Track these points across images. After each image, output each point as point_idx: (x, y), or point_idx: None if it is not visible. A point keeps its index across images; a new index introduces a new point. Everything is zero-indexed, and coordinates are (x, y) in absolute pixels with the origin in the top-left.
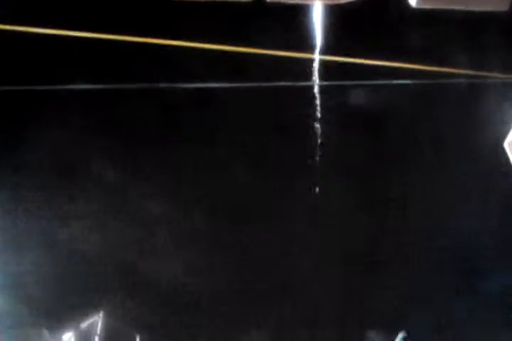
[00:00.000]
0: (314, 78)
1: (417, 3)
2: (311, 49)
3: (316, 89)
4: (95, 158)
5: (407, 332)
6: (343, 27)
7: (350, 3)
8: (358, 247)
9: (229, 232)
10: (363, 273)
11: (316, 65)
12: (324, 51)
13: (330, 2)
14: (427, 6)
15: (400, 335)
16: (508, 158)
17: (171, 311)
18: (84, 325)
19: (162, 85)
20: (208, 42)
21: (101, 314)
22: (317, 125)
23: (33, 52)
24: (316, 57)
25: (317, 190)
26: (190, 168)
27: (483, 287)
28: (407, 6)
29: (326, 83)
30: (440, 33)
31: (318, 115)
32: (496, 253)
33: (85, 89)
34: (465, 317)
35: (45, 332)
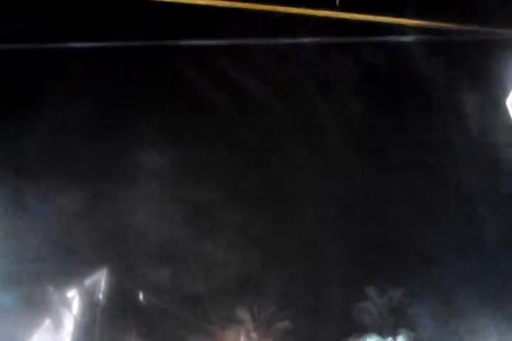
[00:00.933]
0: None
1: None
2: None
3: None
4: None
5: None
6: None
7: None
8: (360, 207)
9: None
10: (364, 233)
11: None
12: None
13: None
14: None
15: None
16: (509, 115)
17: (173, 269)
18: (88, 282)
19: (167, 43)
20: None
21: (104, 272)
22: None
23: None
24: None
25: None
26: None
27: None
28: None
29: (334, 39)
30: None
31: (328, 71)
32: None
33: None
34: (465, 276)
35: (50, 289)
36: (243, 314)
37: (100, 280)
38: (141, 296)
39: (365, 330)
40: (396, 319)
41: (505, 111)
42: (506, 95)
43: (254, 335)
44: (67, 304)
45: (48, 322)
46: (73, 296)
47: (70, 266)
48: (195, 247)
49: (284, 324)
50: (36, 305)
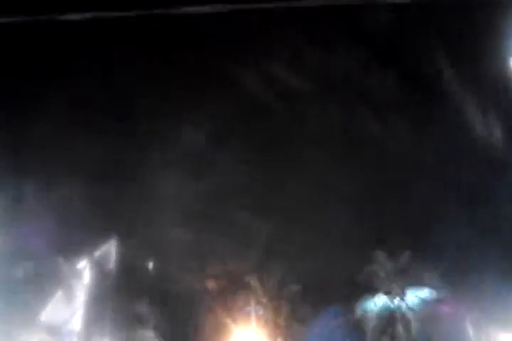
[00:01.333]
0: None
1: None
2: None
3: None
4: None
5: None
6: None
7: None
8: (371, 171)
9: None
10: (373, 197)
11: None
12: None
13: None
14: None
15: None
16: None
17: (184, 237)
18: (98, 252)
19: (164, 11)
20: None
21: (115, 242)
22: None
23: None
24: None
25: None
26: None
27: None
28: None
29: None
30: None
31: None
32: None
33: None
34: (468, 240)
35: (61, 260)
36: (253, 279)
37: (110, 250)
38: (151, 266)
39: (373, 293)
40: (404, 281)
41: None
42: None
43: (264, 300)
44: (78, 275)
45: (59, 293)
46: (84, 267)
47: (79, 237)
48: (206, 218)
49: (294, 288)
50: (47, 277)
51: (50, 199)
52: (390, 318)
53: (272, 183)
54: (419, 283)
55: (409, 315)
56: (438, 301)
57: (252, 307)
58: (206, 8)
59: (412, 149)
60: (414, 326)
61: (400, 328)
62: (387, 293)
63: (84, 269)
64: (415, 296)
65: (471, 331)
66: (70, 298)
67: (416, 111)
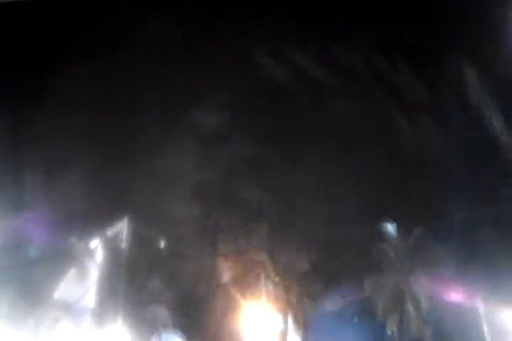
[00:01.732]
0: None
1: None
2: None
3: None
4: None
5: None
6: None
7: None
8: (380, 142)
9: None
10: (383, 171)
11: None
12: None
13: None
14: None
15: None
16: None
17: (195, 215)
18: (110, 232)
19: None
20: None
21: (126, 221)
22: None
23: None
24: None
25: None
26: None
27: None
28: None
29: None
30: None
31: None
32: None
33: None
34: (487, 214)
35: (73, 240)
36: (264, 257)
37: (122, 228)
38: (163, 243)
39: (383, 271)
40: (414, 259)
41: None
42: None
43: (275, 278)
44: (90, 254)
45: (72, 272)
46: (96, 246)
47: (91, 216)
48: (217, 196)
49: (305, 266)
50: (60, 257)
51: (60, 178)
52: (399, 297)
53: (285, 162)
54: (429, 261)
55: (420, 294)
56: (449, 280)
57: (262, 283)
58: None
59: (433, 138)
60: (425, 305)
61: (410, 307)
62: (397, 271)
63: (97, 248)
64: (425, 275)
65: (482, 310)
66: (83, 276)
67: (438, 107)
